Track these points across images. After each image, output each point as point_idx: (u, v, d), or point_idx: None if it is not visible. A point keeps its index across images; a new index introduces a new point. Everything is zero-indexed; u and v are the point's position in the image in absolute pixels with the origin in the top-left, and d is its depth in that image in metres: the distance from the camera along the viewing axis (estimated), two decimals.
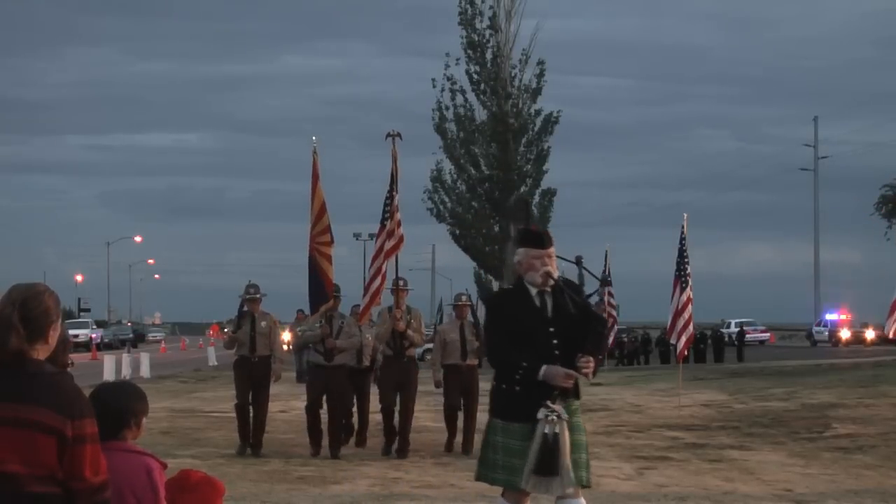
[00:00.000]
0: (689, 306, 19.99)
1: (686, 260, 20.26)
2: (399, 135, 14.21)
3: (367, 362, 14.48)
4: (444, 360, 13.74)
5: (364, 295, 14.01)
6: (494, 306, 6.38)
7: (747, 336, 55.36)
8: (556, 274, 6.13)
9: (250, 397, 13.83)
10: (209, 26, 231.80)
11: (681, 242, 20.45)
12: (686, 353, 21.03)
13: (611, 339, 36.94)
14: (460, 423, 13.78)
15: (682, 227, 20.57)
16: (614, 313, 35.20)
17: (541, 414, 5.86)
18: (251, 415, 13.79)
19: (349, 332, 13.64)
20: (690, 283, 20.13)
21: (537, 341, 6.01)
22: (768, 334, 68.99)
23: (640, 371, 38.69)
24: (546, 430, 5.85)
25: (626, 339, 49.75)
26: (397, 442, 13.51)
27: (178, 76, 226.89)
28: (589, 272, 6.48)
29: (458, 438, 13.75)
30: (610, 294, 34.51)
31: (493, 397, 6.20)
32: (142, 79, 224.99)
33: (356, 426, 14.64)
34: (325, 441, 13.50)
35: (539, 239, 6.21)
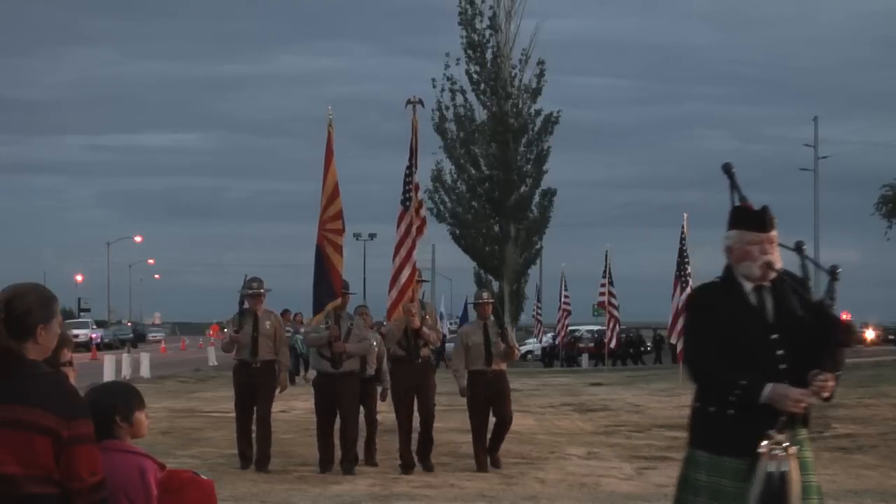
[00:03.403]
0: None
1: (686, 260, 20.23)
2: (421, 101, 12.83)
3: (371, 371, 12.78)
4: (467, 366, 12.23)
5: (390, 289, 12.15)
6: (701, 306, 4.94)
7: None
8: (778, 264, 4.84)
9: (252, 408, 12.23)
10: (207, 26, 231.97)
11: (681, 242, 20.43)
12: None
13: (613, 341, 37.05)
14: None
15: (682, 227, 20.55)
16: (616, 313, 35.35)
17: (763, 447, 4.62)
18: (254, 428, 12.23)
19: (359, 335, 12.14)
20: (691, 283, 20.10)
21: (757, 352, 4.73)
22: None
23: (640, 371, 38.68)
24: (770, 469, 4.62)
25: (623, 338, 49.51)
26: (418, 455, 12.10)
27: (177, 76, 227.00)
28: (813, 262, 5.25)
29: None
30: (612, 294, 34.61)
31: (694, 423, 4.93)
32: (140, 79, 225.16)
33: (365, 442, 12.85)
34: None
35: (759, 220, 4.85)
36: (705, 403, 4.83)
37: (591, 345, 49.97)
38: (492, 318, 12.35)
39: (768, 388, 4.60)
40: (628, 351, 48.46)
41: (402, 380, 12.12)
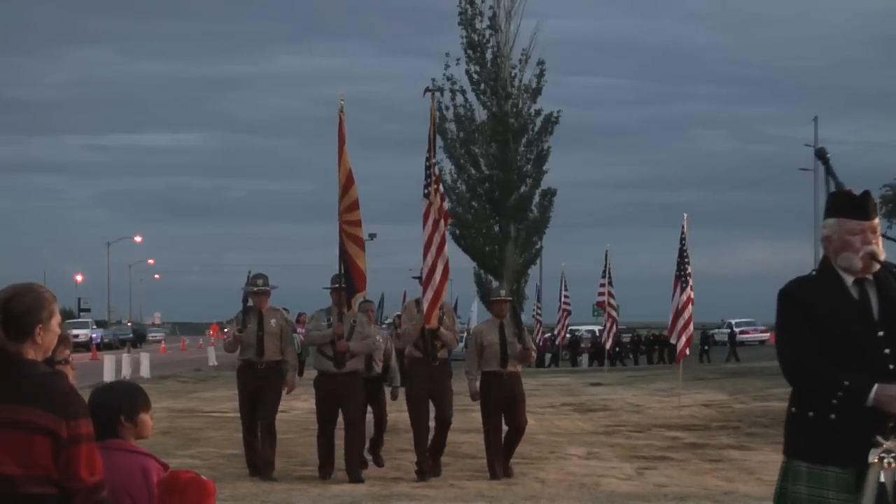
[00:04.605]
0: (690, 306, 19.97)
1: (686, 260, 20.23)
2: (440, 89, 12.53)
3: (378, 369, 12.40)
4: (481, 366, 11.64)
5: (424, 290, 11.58)
6: (797, 301, 4.45)
7: (747, 336, 56.57)
8: (882, 255, 4.43)
9: (257, 412, 11.67)
10: (207, 26, 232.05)
11: (681, 242, 20.43)
12: (687, 352, 21.03)
13: (610, 341, 37.05)
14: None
15: (683, 227, 20.55)
16: (614, 314, 35.35)
17: (873, 455, 4.22)
18: (259, 433, 11.67)
19: (363, 333, 11.61)
20: (691, 283, 20.10)
21: (864, 351, 4.33)
22: (768, 334, 69.01)
23: (641, 371, 38.68)
24: (882, 479, 4.22)
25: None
26: (430, 461, 11.61)
27: (176, 76, 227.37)
28: None
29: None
30: (611, 294, 34.61)
31: (791, 430, 4.52)
32: (140, 79, 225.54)
33: (367, 443, 12.34)
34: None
35: (861, 206, 4.42)
36: (803, 408, 4.44)
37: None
38: (508, 316, 11.78)
39: (876, 389, 4.21)
40: (612, 351, 48.62)
41: (419, 382, 11.60)
